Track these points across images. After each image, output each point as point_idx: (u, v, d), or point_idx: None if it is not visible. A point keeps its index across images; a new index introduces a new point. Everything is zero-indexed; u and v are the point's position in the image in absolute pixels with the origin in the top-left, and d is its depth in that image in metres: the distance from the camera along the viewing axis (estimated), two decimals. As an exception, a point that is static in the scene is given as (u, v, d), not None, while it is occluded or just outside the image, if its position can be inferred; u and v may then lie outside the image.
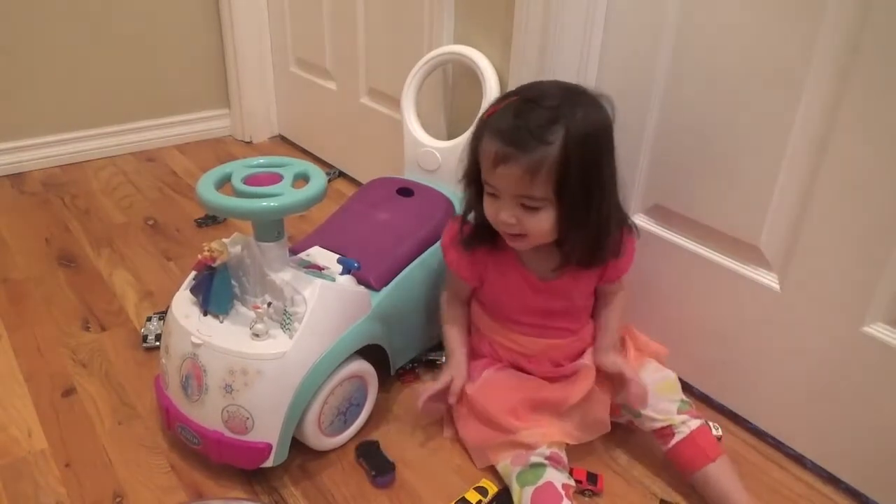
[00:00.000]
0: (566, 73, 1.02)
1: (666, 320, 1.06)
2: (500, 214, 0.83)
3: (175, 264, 1.37)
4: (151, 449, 0.93)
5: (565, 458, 0.86)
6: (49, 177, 1.74)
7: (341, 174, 1.78)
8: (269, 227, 0.85)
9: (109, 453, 0.92)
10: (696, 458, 0.85)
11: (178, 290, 0.92)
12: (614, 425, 0.92)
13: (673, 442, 0.86)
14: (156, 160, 1.87)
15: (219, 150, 1.95)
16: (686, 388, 1.06)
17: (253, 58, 1.91)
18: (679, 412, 0.87)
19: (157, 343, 1.10)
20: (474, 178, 0.86)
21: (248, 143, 2.01)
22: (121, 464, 0.91)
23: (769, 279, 0.92)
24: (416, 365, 1.08)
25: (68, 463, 0.91)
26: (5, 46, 1.65)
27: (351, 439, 0.95)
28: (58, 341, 1.14)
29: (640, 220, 1.05)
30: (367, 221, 1.08)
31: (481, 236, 0.89)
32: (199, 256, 0.86)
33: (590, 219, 0.82)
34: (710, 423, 0.98)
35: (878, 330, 0.82)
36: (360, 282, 0.95)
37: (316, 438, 0.90)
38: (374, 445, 0.93)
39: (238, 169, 0.88)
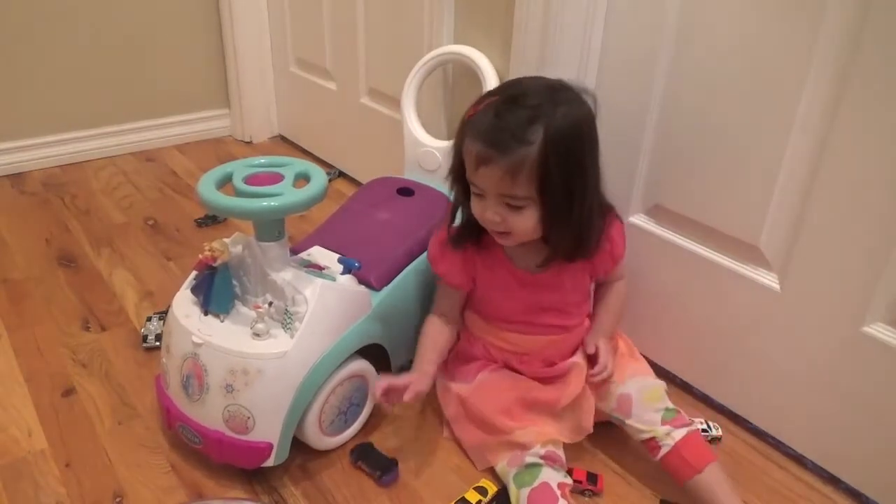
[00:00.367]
0: (566, 73, 1.01)
1: (666, 320, 1.06)
2: (486, 213, 0.83)
3: (175, 264, 1.37)
4: (151, 449, 0.93)
5: (562, 456, 0.86)
6: (49, 177, 1.74)
7: (341, 174, 1.79)
8: (270, 227, 0.85)
9: (109, 453, 0.92)
10: (682, 469, 0.84)
11: (178, 289, 0.92)
12: (613, 426, 0.92)
13: (660, 455, 0.86)
14: (156, 160, 1.87)
15: (219, 150, 1.95)
16: (686, 387, 1.07)
17: (253, 58, 1.91)
18: (664, 422, 0.86)
19: (157, 343, 1.10)
20: (460, 177, 0.86)
21: (248, 143, 2.01)
22: (121, 464, 0.91)
23: (769, 279, 0.92)
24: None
25: (68, 463, 0.91)
26: (5, 46, 1.65)
27: (346, 443, 0.94)
28: (58, 341, 1.14)
29: (640, 220, 1.05)
30: (368, 221, 1.09)
31: (469, 234, 0.89)
32: (200, 256, 0.86)
33: (573, 214, 0.82)
34: (711, 423, 0.98)
35: (878, 330, 0.82)
36: (361, 281, 0.95)
37: (316, 438, 0.90)
38: (369, 446, 0.93)
39: (239, 169, 0.88)
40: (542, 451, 0.84)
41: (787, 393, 0.93)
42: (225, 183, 0.86)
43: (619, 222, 0.92)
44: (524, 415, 0.88)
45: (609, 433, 0.92)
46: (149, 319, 1.16)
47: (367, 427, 0.97)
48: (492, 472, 0.90)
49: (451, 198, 0.90)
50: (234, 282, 0.89)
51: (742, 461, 0.95)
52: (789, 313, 0.90)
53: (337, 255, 0.98)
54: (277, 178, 0.86)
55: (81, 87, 1.78)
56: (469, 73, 1.20)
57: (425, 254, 1.03)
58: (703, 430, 0.97)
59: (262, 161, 0.91)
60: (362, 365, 0.93)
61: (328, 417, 0.89)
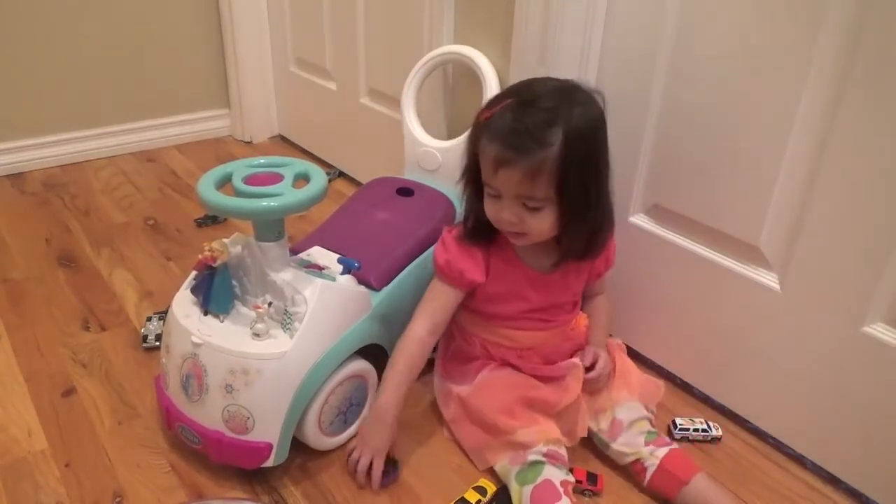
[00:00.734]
0: (566, 73, 1.01)
1: (666, 320, 1.06)
2: (502, 214, 0.83)
3: (175, 264, 1.37)
4: (151, 449, 0.93)
5: (564, 455, 0.86)
6: (49, 177, 1.74)
7: (341, 174, 1.79)
8: (270, 227, 0.85)
9: (109, 453, 0.92)
10: (670, 484, 0.85)
11: (178, 290, 0.92)
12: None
13: (648, 476, 0.86)
14: (156, 160, 1.87)
15: (219, 150, 1.95)
16: (686, 387, 1.07)
17: (253, 58, 1.91)
18: (646, 443, 0.88)
19: (157, 343, 1.10)
20: (474, 179, 0.87)
21: (248, 143, 2.01)
22: (121, 464, 0.91)
23: (769, 279, 0.92)
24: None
25: (68, 463, 0.91)
26: (5, 47, 1.65)
27: (346, 443, 0.94)
28: (58, 341, 1.14)
29: (640, 220, 1.05)
30: (368, 221, 1.09)
31: (482, 233, 0.90)
32: (200, 256, 0.86)
33: (589, 213, 0.83)
34: (711, 423, 0.98)
35: (878, 330, 0.82)
36: (361, 281, 0.95)
37: (316, 438, 0.90)
38: None
39: (238, 169, 0.88)
40: (545, 450, 0.85)
41: (787, 393, 0.93)
42: (225, 183, 0.86)
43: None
44: (525, 414, 0.88)
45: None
46: (149, 319, 1.16)
47: (367, 427, 0.97)
48: (491, 472, 0.89)
49: (463, 198, 0.91)
50: (234, 282, 0.89)
51: (742, 461, 0.95)
52: (789, 313, 0.90)
53: (337, 255, 0.98)
54: (277, 179, 0.86)
55: (81, 87, 1.78)
56: (469, 73, 1.20)
57: (425, 254, 1.03)
58: (704, 430, 0.97)
59: (262, 161, 0.91)
60: (362, 365, 0.93)
61: (328, 417, 0.89)
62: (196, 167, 1.82)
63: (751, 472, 0.93)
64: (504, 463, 0.87)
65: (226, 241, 0.87)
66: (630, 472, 0.90)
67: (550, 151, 0.78)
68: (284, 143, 2.02)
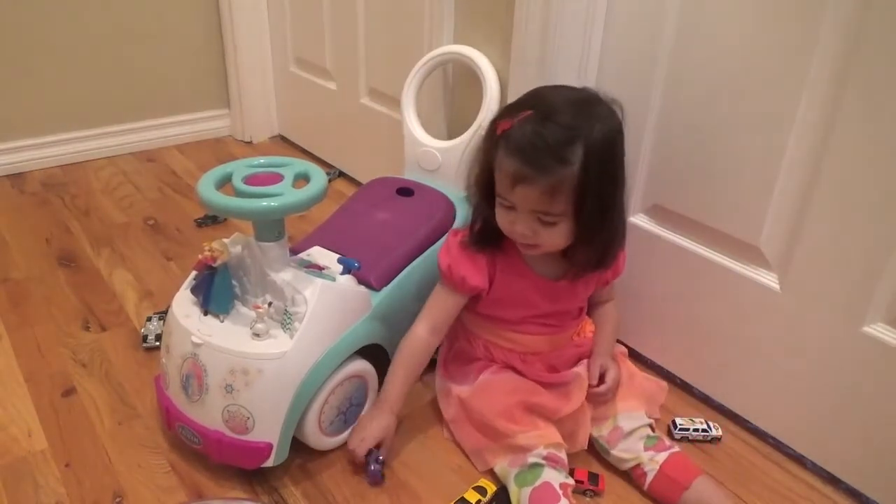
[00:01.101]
0: (566, 72, 1.02)
1: (666, 320, 1.06)
2: (516, 227, 0.83)
3: (175, 264, 1.37)
4: (151, 449, 0.93)
5: (564, 458, 0.86)
6: (49, 177, 1.74)
7: (341, 174, 1.78)
8: (270, 227, 0.85)
9: (109, 453, 0.92)
10: (671, 489, 0.85)
11: (178, 290, 0.92)
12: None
13: (648, 481, 0.86)
14: (156, 160, 1.87)
15: (219, 150, 1.95)
16: (686, 387, 1.07)
17: (253, 58, 1.91)
18: (646, 448, 0.88)
19: (157, 343, 1.10)
20: (486, 189, 0.86)
21: (248, 143, 2.01)
22: (121, 464, 0.91)
23: (769, 279, 0.92)
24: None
25: (68, 463, 0.91)
26: (5, 47, 1.65)
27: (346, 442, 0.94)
28: (58, 341, 1.14)
29: (640, 220, 1.05)
30: (368, 221, 1.08)
31: (488, 239, 0.89)
32: (200, 256, 0.86)
33: (604, 227, 0.83)
34: (711, 423, 0.98)
35: (878, 330, 0.82)
36: (361, 281, 0.95)
37: (316, 438, 0.90)
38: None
39: (238, 169, 0.88)
40: (545, 453, 0.84)
41: (787, 393, 0.93)
42: (225, 183, 0.86)
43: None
44: (526, 418, 0.88)
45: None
46: (149, 319, 1.16)
47: (367, 427, 0.97)
48: (491, 472, 0.89)
49: (470, 205, 0.90)
50: (234, 282, 0.89)
51: (742, 461, 0.95)
52: (789, 313, 0.90)
53: (337, 255, 0.98)
54: (277, 179, 0.86)
55: (81, 87, 1.78)
56: (469, 73, 1.20)
57: (425, 254, 1.03)
58: (704, 430, 0.97)
59: (262, 161, 0.91)
60: (362, 365, 0.93)
61: (328, 417, 0.89)
62: (196, 167, 1.82)
63: (751, 472, 0.93)
64: (503, 465, 0.87)
65: (226, 241, 0.87)
66: (630, 477, 0.89)
67: (570, 169, 0.77)
68: (284, 143, 2.02)
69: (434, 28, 1.28)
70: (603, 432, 0.91)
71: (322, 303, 0.84)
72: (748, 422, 1.00)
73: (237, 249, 0.87)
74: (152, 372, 1.03)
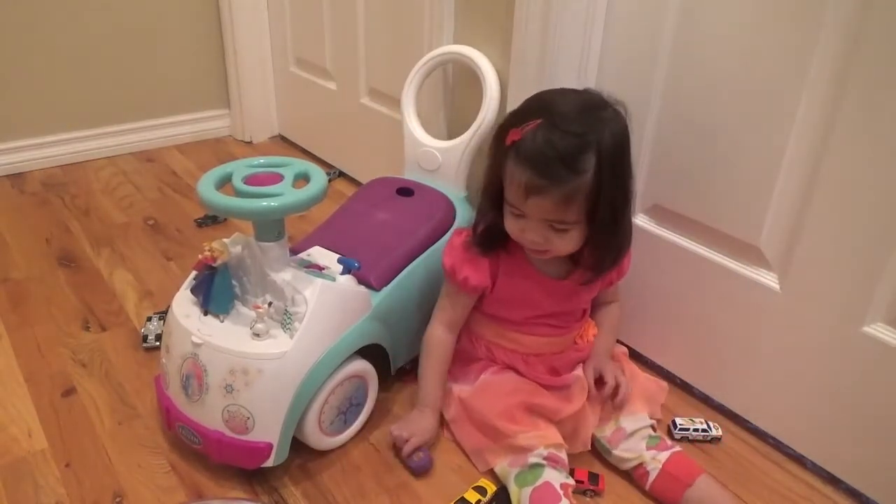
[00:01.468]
0: (566, 73, 1.02)
1: (666, 320, 1.06)
2: (527, 234, 0.83)
3: (175, 264, 1.37)
4: (151, 449, 0.93)
5: (565, 458, 0.86)
6: (49, 177, 1.74)
7: (341, 174, 1.78)
8: (270, 227, 0.85)
9: (109, 453, 0.92)
10: (673, 488, 0.84)
11: (178, 289, 0.92)
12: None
13: (650, 481, 0.86)
14: (156, 160, 1.87)
15: (219, 150, 1.95)
16: (686, 387, 1.07)
17: (253, 58, 1.91)
18: (648, 447, 0.88)
19: (157, 343, 1.10)
20: (495, 196, 0.85)
21: (248, 143, 2.01)
22: (121, 464, 0.91)
23: (769, 279, 0.92)
24: (416, 365, 1.08)
25: (68, 463, 0.91)
26: (5, 46, 1.65)
27: (346, 443, 0.95)
28: (58, 341, 1.14)
29: (640, 220, 1.05)
30: (368, 221, 1.08)
31: (492, 241, 0.89)
32: (200, 256, 0.86)
33: (616, 232, 0.84)
34: (711, 423, 0.98)
35: (878, 330, 0.82)
36: (361, 281, 0.95)
37: (316, 438, 0.90)
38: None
39: (238, 169, 0.88)
40: (546, 453, 0.84)
41: (787, 393, 0.93)
42: (225, 183, 0.86)
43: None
44: (525, 418, 0.88)
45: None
46: (149, 319, 1.16)
47: (368, 427, 0.97)
48: (491, 472, 0.89)
49: (477, 208, 0.91)
50: (234, 282, 0.89)
51: (742, 461, 0.95)
52: (789, 313, 0.90)
53: (337, 255, 0.98)
54: (277, 179, 0.86)
55: (81, 87, 1.78)
56: (469, 73, 1.20)
57: (426, 253, 1.03)
58: (704, 430, 0.97)
59: (262, 161, 0.91)
60: (362, 365, 0.93)
61: (328, 417, 0.89)
62: (196, 167, 1.82)
63: (751, 472, 0.93)
64: (504, 465, 0.87)
65: (226, 241, 0.87)
66: (632, 477, 0.89)
67: (584, 178, 0.77)
68: (284, 143, 2.02)
69: (434, 28, 1.28)
70: (605, 433, 0.91)
71: (322, 303, 0.84)
72: (748, 422, 1.00)
73: (237, 249, 0.87)
74: (152, 372, 1.03)
